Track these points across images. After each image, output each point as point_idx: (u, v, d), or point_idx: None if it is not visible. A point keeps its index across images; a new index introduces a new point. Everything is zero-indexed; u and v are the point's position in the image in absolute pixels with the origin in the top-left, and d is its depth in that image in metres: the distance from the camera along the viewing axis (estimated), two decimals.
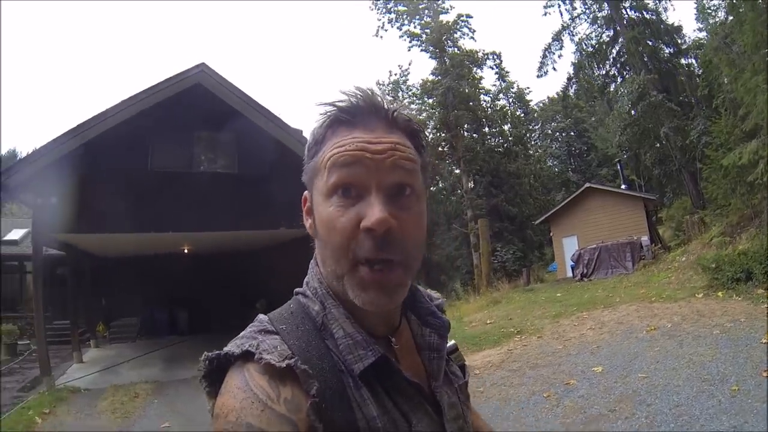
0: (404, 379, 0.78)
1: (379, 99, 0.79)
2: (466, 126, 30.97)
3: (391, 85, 34.22)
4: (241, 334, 0.77)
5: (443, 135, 30.36)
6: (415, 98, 31.99)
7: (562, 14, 27.43)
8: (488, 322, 12.77)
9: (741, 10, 12.15)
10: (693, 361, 6.42)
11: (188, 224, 11.43)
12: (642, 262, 17.93)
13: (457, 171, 29.79)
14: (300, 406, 0.68)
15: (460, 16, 30.78)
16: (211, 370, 0.75)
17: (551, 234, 23.47)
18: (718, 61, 12.69)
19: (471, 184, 30.81)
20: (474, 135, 31.60)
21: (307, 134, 0.84)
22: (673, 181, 23.44)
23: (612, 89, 23.80)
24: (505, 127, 34.23)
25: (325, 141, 0.78)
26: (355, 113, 0.78)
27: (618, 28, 25.08)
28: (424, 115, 30.42)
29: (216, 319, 15.39)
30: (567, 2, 26.84)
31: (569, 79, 29.30)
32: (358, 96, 0.78)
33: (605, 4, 25.49)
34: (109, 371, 10.96)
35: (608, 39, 26.22)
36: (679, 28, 24.98)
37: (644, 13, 25.13)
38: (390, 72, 42.87)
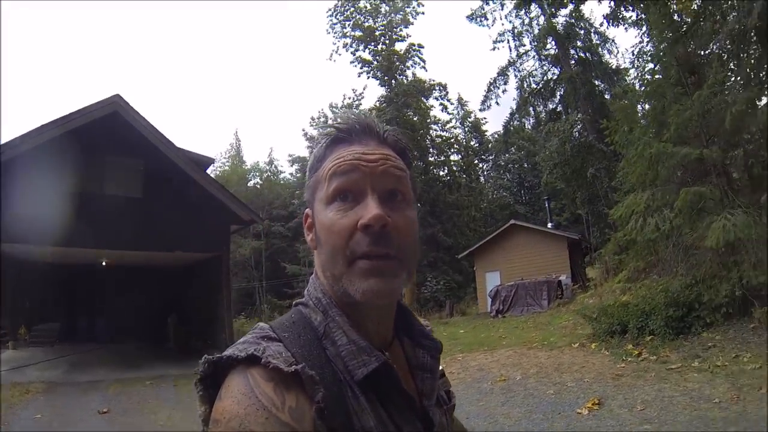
0: (400, 390, 0.79)
1: (372, 121, 0.87)
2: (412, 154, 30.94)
3: (344, 108, 34.27)
4: (242, 339, 0.76)
5: None
6: None
7: (510, 50, 27.59)
8: None
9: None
10: (496, 422, 6.10)
11: (95, 242, 12.37)
12: (558, 301, 17.82)
13: None
14: (304, 414, 0.67)
15: (412, 45, 31.04)
16: (207, 374, 0.73)
17: (474, 268, 23.29)
18: (617, 108, 12.59)
19: None
20: (419, 163, 31.66)
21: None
22: (601, 220, 23.53)
23: (548, 127, 23.96)
24: (454, 157, 34.31)
25: (326, 158, 0.84)
26: (351, 132, 0.84)
27: (563, 67, 25.30)
28: None
29: (131, 329, 16.37)
30: (515, 39, 26.97)
31: (512, 114, 29.49)
32: (353, 118, 0.86)
33: (553, 43, 25.70)
34: (16, 371, 11.60)
35: (554, 77, 26.46)
36: (620, 71, 25.32)
37: (588, 54, 25.47)
38: (344, 96, 43.16)
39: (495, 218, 37.38)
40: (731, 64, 12.00)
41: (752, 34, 10.75)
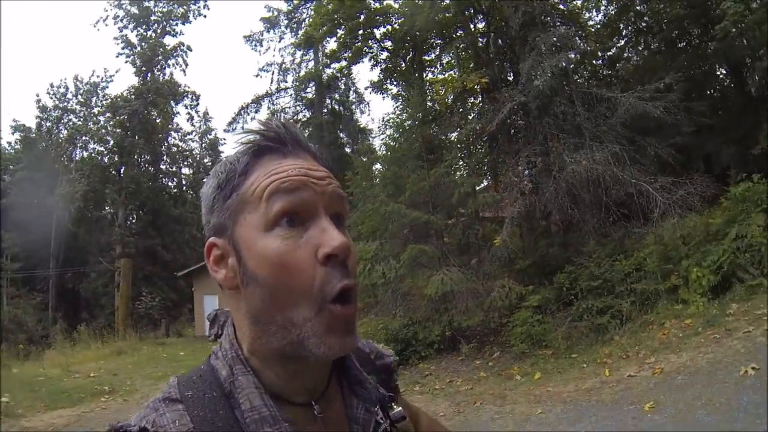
0: None
1: (300, 131, 0.75)
2: (144, 157, 29.29)
3: (88, 86, 30.70)
4: (149, 402, 0.69)
5: (115, 159, 28.37)
6: (105, 109, 29.28)
7: (272, 82, 28.29)
8: (92, 375, 11.50)
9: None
10: None
11: None
12: None
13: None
14: None
15: (181, 44, 29.58)
16: None
17: (193, 289, 22.71)
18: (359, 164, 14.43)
19: (134, 219, 28.62)
20: (150, 168, 29.80)
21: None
22: None
23: None
24: (185, 171, 33.20)
25: (252, 172, 0.70)
26: (285, 142, 0.72)
27: (315, 112, 27.11)
28: (103, 131, 28.32)
29: None
30: (281, 73, 27.79)
31: None
32: (279, 125, 0.73)
33: (313, 88, 27.33)
34: None
35: (304, 119, 28.01)
36: (365, 131, 28.28)
37: (342, 108, 27.87)
38: (93, 71, 38.04)
39: None
40: (462, 154, 14.83)
41: (485, 137, 13.62)
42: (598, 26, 16.53)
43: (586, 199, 10.67)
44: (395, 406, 0.83)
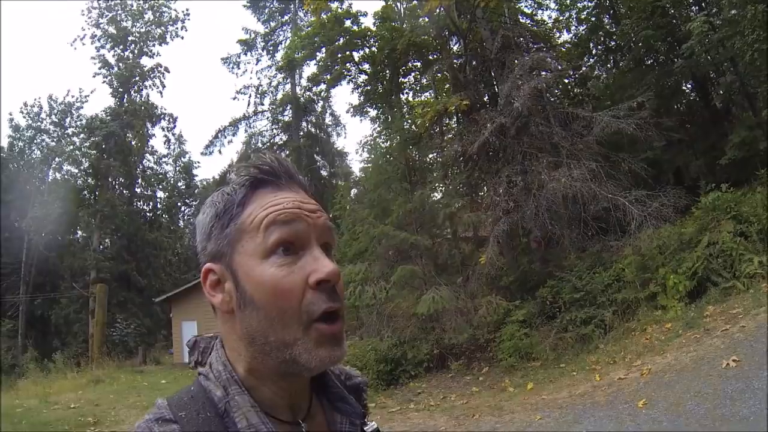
0: None
1: (293, 165, 0.80)
2: (119, 180, 29.01)
3: (63, 106, 30.26)
4: (138, 423, 0.70)
5: (89, 181, 28.18)
6: (80, 130, 29.01)
7: (249, 104, 28.38)
8: (73, 406, 11.33)
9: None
10: None
11: None
12: None
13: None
14: None
15: (158, 65, 29.59)
16: None
17: (171, 315, 22.37)
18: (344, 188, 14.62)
19: (108, 243, 28.17)
20: (124, 191, 29.42)
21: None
22: None
23: None
24: (160, 194, 32.93)
25: (249, 203, 0.75)
26: (279, 176, 0.77)
27: (292, 136, 27.28)
28: (78, 153, 27.80)
29: None
30: (258, 97, 28.01)
31: (230, 165, 30.02)
32: (273, 160, 0.78)
33: (290, 111, 27.56)
34: None
35: (281, 142, 28.17)
36: (342, 153, 28.52)
37: (318, 130, 28.06)
38: (68, 91, 37.66)
39: (189, 266, 36.32)
40: (437, 173, 15.15)
41: (460, 159, 13.96)
42: (569, 45, 17.17)
43: (565, 216, 11.03)
44: (368, 422, 0.88)
